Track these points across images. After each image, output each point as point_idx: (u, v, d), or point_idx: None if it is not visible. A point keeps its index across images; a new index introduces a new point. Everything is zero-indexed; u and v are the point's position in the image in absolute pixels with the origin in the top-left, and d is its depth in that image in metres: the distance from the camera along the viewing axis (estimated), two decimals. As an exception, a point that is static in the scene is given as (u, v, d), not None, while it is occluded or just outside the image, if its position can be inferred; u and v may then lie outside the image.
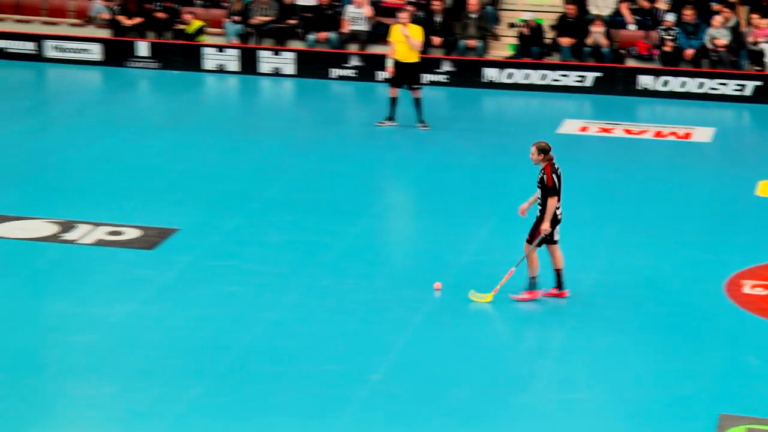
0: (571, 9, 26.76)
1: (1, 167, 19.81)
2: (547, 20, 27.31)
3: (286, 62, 26.74)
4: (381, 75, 26.03)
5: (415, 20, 26.05)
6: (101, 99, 25.60)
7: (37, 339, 13.74)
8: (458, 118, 24.47)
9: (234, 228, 17.42)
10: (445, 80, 26.48)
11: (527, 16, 26.94)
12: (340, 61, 26.57)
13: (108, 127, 22.57)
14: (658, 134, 23.30)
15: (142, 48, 27.07)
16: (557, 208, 14.44)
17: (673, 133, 23.35)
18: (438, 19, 26.98)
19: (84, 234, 16.88)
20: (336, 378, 12.96)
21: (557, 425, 12.08)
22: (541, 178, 14.36)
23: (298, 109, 25.25)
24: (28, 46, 27.18)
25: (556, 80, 26.29)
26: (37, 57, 27.12)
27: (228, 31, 27.34)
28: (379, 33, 26.63)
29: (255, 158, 21.12)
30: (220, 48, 26.96)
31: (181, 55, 27.02)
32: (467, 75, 26.43)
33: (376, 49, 26.68)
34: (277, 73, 26.76)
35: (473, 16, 26.90)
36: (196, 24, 27.20)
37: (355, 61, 26.51)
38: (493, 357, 13.62)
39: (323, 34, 27.06)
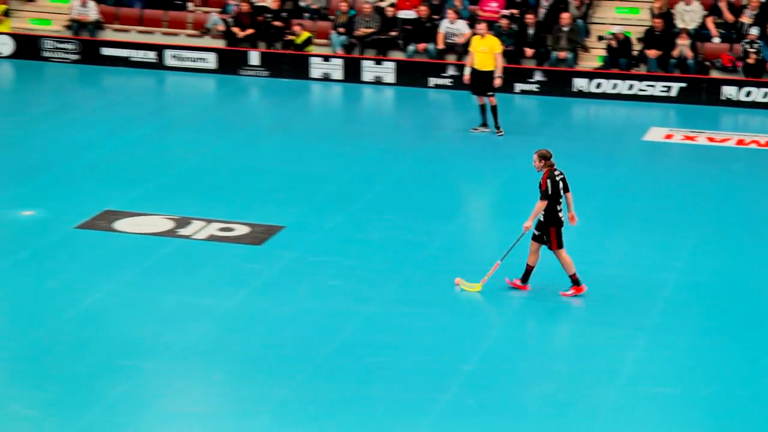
0: (658, 23, 26.44)
1: (123, 167, 20.08)
2: (635, 33, 27.03)
3: (387, 71, 26.78)
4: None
5: (509, 32, 25.94)
6: (215, 105, 25.83)
7: (154, 327, 13.91)
8: (549, 125, 24.30)
9: (336, 226, 17.48)
10: (537, 89, 26.32)
11: (616, 29, 26.66)
12: (438, 70, 26.53)
13: (221, 131, 22.77)
14: (740, 142, 22.93)
15: (254, 57, 27.28)
16: (558, 212, 14.44)
17: (755, 142, 22.97)
18: (531, 31, 26.82)
19: (197, 230, 17.05)
20: (430, 368, 12.94)
21: (641, 417, 11.94)
22: (540, 183, 14.39)
23: (398, 115, 25.26)
24: (150, 56, 27.53)
25: (642, 90, 25.99)
26: (158, 65, 27.45)
27: (333, 42, 27.45)
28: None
29: (357, 161, 21.17)
30: (326, 58, 27.07)
31: (290, 64, 27.18)
32: (558, 84, 26.25)
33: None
34: (378, 82, 26.81)
35: (565, 29, 26.70)
36: (305, 35, 27.35)
37: (451, 71, 26.45)
38: (579, 350, 13.50)
39: (422, 45, 27.04)
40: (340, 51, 27.36)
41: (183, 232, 16.96)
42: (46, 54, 27.75)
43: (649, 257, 14.64)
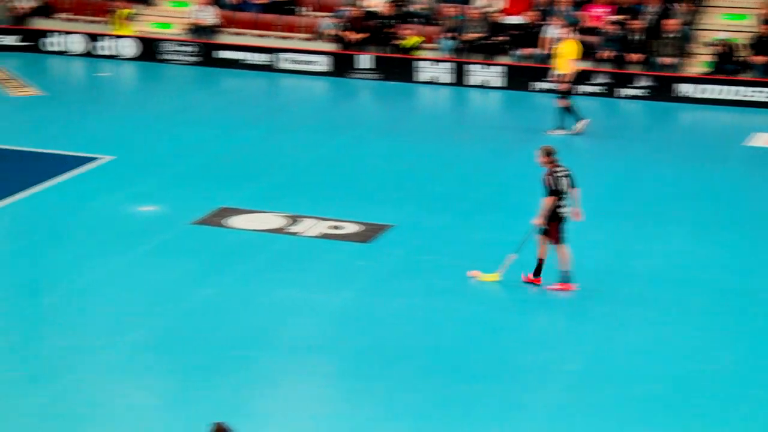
0: (766, 29, 25.91)
1: (239, 166, 20.29)
2: (742, 39, 26.52)
3: (494, 75, 26.67)
4: (581, 88, 25.82)
5: (615, 38, 25.68)
6: (326, 106, 25.98)
7: (266, 321, 14.03)
8: (652, 130, 23.98)
9: (443, 226, 17.45)
10: (643, 94, 25.99)
11: (723, 35, 26.20)
12: (543, 75, 26.34)
13: (332, 132, 22.89)
14: None
15: (365, 61, 27.37)
16: (560, 208, 14.56)
17: None
18: (636, 37, 26.49)
19: (309, 227, 17.15)
20: (535, 368, 12.85)
21: (741, 419, 11.72)
22: (543, 179, 14.52)
23: (504, 118, 25.12)
24: (264, 58, 27.78)
25: (748, 96, 25.50)
26: (272, 68, 27.69)
27: (442, 47, 27.43)
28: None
29: (464, 162, 21.12)
30: (434, 61, 27.06)
31: (399, 68, 27.22)
32: (663, 90, 25.89)
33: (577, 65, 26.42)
34: (485, 85, 26.72)
35: (671, 35, 26.32)
36: (414, 39, 27.36)
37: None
38: (688, 354, 13.29)
39: (528, 50, 26.88)
40: (448, 55, 27.32)
41: (295, 229, 17.08)
42: (166, 56, 28.16)
43: (743, 263, 14.36)
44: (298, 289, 14.96)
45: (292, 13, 28.95)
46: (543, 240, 14.87)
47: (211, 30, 28.53)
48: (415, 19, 28.32)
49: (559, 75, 22.76)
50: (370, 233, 16.94)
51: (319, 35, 28.30)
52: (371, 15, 27.93)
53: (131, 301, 14.45)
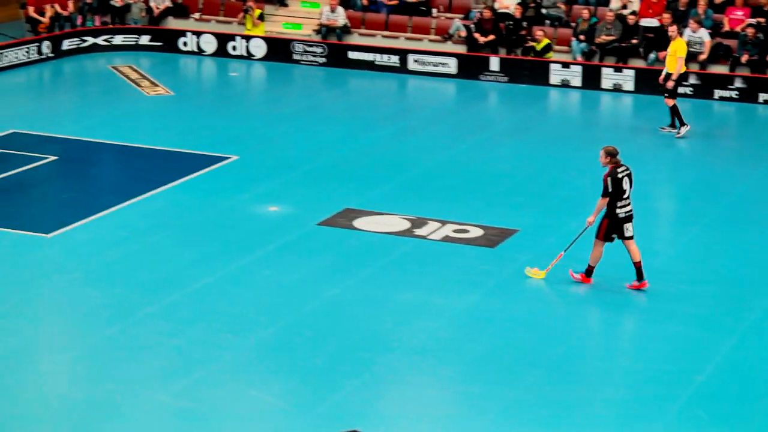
0: None
1: (366, 168, 20.44)
2: None
3: (627, 79, 26.36)
4: (717, 93, 25.39)
5: (754, 42, 25.19)
6: (454, 108, 25.99)
7: (389, 323, 14.13)
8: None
9: (570, 231, 17.28)
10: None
11: None
12: (679, 78, 25.89)
13: (459, 134, 22.90)
14: None
15: (494, 63, 27.32)
16: (621, 207, 14.60)
17: None
18: (776, 40, 25.91)
19: (433, 230, 17.20)
20: (661, 376, 12.71)
21: None
22: (604, 179, 14.61)
23: (636, 122, 24.76)
24: (393, 60, 27.92)
25: None
26: (401, 69, 27.81)
27: (573, 49, 27.22)
28: (718, 54, 25.96)
29: (592, 166, 20.88)
30: (565, 64, 26.87)
31: (529, 70, 27.08)
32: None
33: (714, 69, 25.96)
34: (617, 89, 26.43)
35: (811, 38, 25.67)
36: (545, 42, 27.21)
37: (692, 80, 25.83)
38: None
39: (663, 53, 26.48)
40: (579, 58, 27.11)
41: (419, 232, 17.15)
42: (296, 57, 28.51)
43: None
44: (422, 292, 15.03)
45: (423, 14, 29.03)
46: (629, 244, 14.87)
47: (341, 31, 28.79)
48: (547, 22, 28.16)
49: (666, 74, 22.73)
50: (495, 238, 16.91)
51: (448, 37, 28.33)
52: (502, 17, 27.86)
53: (257, 301, 14.69)
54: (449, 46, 28.21)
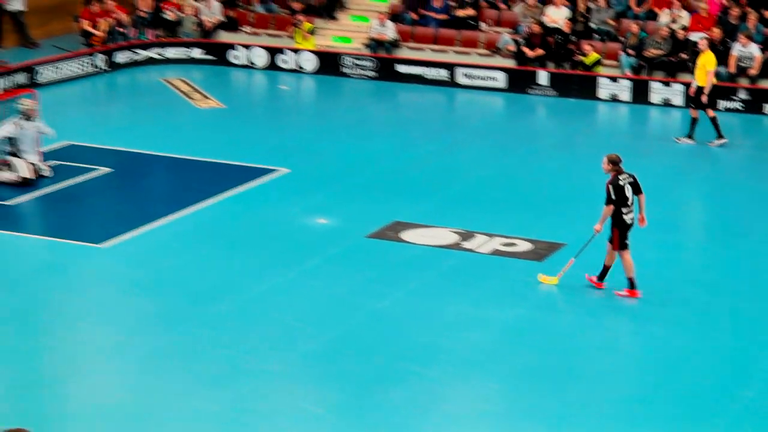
0: None
1: (415, 180, 20.47)
2: None
3: (676, 94, 26.24)
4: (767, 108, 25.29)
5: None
6: (503, 122, 25.97)
7: (436, 335, 14.15)
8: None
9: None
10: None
11: None
12: (728, 93, 25.79)
13: (508, 148, 22.89)
14: None
15: (542, 77, 27.29)
16: (626, 214, 14.80)
17: None
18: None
19: (481, 244, 17.21)
20: (709, 391, 12.64)
21: None
22: (606, 187, 14.84)
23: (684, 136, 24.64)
24: (442, 73, 27.98)
25: None
26: (450, 83, 27.86)
27: (622, 63, 27.14)
28: None
29: (640, 180, 20.83)
30: (614, 78, 26.79)
31: (577, 84, 27.03)
32: None
33: (764, 84, 25.79)
34: (666, 104, 26.32)
35: None
36: (594, 56, 27.15)
37: (742, 95, 25.68)
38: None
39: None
40: (628, 72, 27.02)
41: (467, 245, 17.16)
42: (346, 70, 28.63)
43: None
44: (469, 304, 15.04)
45: (471, 28, 29.07)
46: (610, 247, 15.08)
47: (391, 45, 28.89)
48: (596, 36, 28.10)
49: (697, 87, 22.81)
50: (542, 251, 16.90)
51: (497, 51, 28.35)
52: (551, 31, 27.83)
53: (305, 312, 14.77)
54: (498, 60, 28.22)
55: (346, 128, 24.00)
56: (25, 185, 19.12)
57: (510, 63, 27.99)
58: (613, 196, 14.83)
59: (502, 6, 29.45)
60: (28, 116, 19.41)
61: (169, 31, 29.94)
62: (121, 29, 29.04)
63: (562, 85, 27.11)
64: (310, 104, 27.89)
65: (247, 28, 30.30)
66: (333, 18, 30.45)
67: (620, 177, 14.97)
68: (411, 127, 24.53)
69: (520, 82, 27.45)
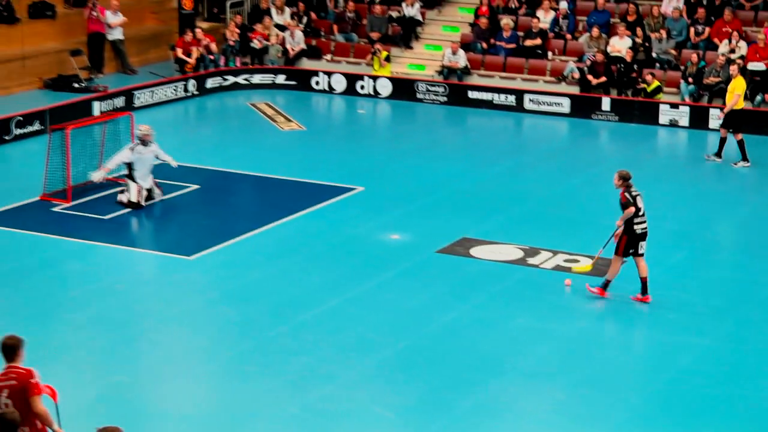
0: None
1: (483, 200, 20.38)
2: None
3: (733, 120, 25.85)
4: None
5: None
6: (567, 146, 25.79)
7: (502, 347, 14.06)
8: None
9: (677, 262, 17.06)
10: None
11: None
12: (735, 114, 25.24)
13: (571, 170, 22.71)
14: None
15: (605, 103, 27.07)
16: (638, 224, 15.02)
17: None
18: None
19: (545, 260, 17.09)
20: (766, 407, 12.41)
21: None
22: (619, 200, 15.08)
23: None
24: (510, 99, 27.88)
25: None
26: (517, 108, 27.74)
27: (682, 91, 26.84)
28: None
29: (699, 201, 20.60)
30: (674, 105, 26.50)
31: (639, 110, 26.78)
32: None
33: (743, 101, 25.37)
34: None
35: None
36: (655, 84, 26.89)
37: (797, 121, 25.25)
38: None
39: (769, 96, 25.95)
40: (688, 99, 26.71)
41: (531, 261, 17.05)
42: (419, 96, 28.64)
43: None
44: (534, 317, 14.93)
45: (538, 57, 28.95)
46: (639, 260, 15.21)
47: (462, 72, 28.85)
48: (657, 65, 27.83)
49: (727, 111, 23.01)
50: (603, 267, 16.69)
51: (562, 78, 28.19)
52: (614, 60, 27.61)
53: (379, 323, 14.76)
54: (563, 87, 28.07)
55: (419, 150, 23.98)
56: (134, 208, 19.20)
57: (575, 90, 27.82)
58: (631, 201, 15.01)
59: (568, 36, 29.30)
60: (144, 141, 19.45)
61: (256, 59, 30.20)
62: (211, 57, 29.34)
63: (624, 111, 26.87)
64: (385, 127, 27.93)
65: (328, 56, 30.46)
66: (408, 47, 30.51)
67: (631, 189, 15.17)
68: (480, 149, 24.45)
69: (584, 107, 27.26)
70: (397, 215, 19.40)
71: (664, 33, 28.07)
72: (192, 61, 28.97)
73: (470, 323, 14.74)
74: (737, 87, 23.08)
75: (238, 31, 30.23)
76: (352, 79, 29.27)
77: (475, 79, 29.02)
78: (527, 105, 27.73)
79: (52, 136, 20.01)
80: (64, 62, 28.58)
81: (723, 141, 23.29)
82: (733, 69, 23.51)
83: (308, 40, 30.72)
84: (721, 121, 23.35)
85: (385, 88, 29.04)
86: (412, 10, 30.65)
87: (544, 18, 29.65)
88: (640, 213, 15.13)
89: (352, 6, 31.20)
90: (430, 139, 25.32)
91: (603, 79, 27.44)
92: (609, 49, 28.07)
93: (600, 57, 27.53)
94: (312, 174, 21.79)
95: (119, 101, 26.33)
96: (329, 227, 18.70)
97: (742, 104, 23.04)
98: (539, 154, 24.30)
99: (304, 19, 31.24)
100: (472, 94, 28.26)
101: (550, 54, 29.17)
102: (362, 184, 21.05)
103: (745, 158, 22.96)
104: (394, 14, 30.98)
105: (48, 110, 24.40)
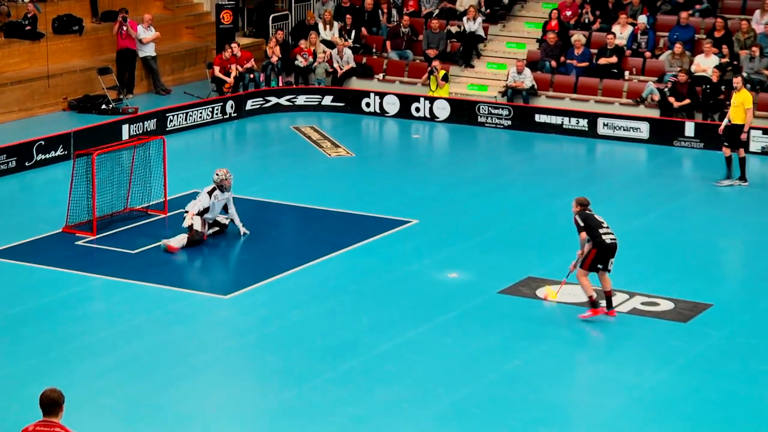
0: None
1: (551, 235, 20.27)
2: None
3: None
4: None
5: None
6: (646, 175, 25.65)
7: (574, 397, 13.98)
8: None
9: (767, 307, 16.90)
10: None
11: None
12: (740, 129, 24.98)
13: (650, 202, 22.59)
14: None
15: (689, 128, 26.94)
16: (605, 234, 16.01)
17: None
18: None
19: (621, 302, 16.98)
20: None
21: None
22: (574, 220, 16.32)
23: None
24: (582, 123, 27.84)
25: None
26: (590, 133, 27.69)
27: (775, 114, 26.68)
28: None
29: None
30: (767, 131, 26.28)
31: (726, 136, 26.57)
32: None
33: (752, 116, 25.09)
34: (822, 157, 25.75)
35: None
36: (745, 106, 26.69)
37: None
38: None
39: None
40: (781, 124, 26.53)
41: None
42: (481, 119, 28.68)
43: None
44: (607, 366, 14.84)
45: (614, 76, 28.89)
46: (600, 275, 16.04)
47: (528, 93, 28.87)
48: (748, 86, 27.65)
49: (733, 126, 23.47)
50: (687, 312, 16.60)
51: (641, 100, 28.10)
52: (699, 80, 27.50)
53: (436, 370, 14.74)
54: (641, 110, 27.97)
55: (479, 179, 23.99)
56: (196, 237, 19.32)
57: (654, 113, 27.72)
58: (582, 223, 16.07)
59: (647, 54, 29.21)
60: (222, 187, 19.67)
61: (301, 78, 30.41)
62: (251, 75, 29.60)
63: (710, 137, 26.68)
64: (443, 153, 27.98)
65: (380, 75, 30.60)
66: (469, 65, 30.59)
67: (585, 211, 16.26)
68: (548, 178, 24.40)
69: (665, 133, 27.14)
70: (455, 251, 19.40)
71: (756, 51, 27.90)
72: (230, 80, 29.25)
73: (536, 371, 14.68)
74: (745, 100, 23.49)
75: (279, 48, 30.47)
76: (406, 100, 29.37)
77: (542, 101, 29.02)
78: (601, 130, 27.66)
79: (77, 162, 20.26)
80: (91, 81, 29.01)
81: (739, 159, 23.57)
82: (737, 81, 23.84)
83: (358, 58, 30.91)
84: (740, 140, 23.57)
85: (442, 110, 29.11)
86: (473, 25, 30.75)
87: (621, 34, 29.59)
88: (603, 225, 16.15)
89: (407, 20, 31.37)
90: (492, 167, 25.32)
91: (686, 101, 27.32)
92: (693, 68, 27.96)
93: (683, 77, 27.42)
94: (361, 205, 21.86)
95: (150, 124, 26.63)
96: (380, 264, 18.73)
97: (742, 118, 23.48)
98: (614, 184, 24.19)
99: (354, 35, 31.44)
100: (540, 118, 28.25)
101: (626, 73, 29.11)
102: (417, 217, 21.09)
103: (743, 177, 23.58)
104: (454, 29, 31.10)
105: (73, 134, 24.75)
